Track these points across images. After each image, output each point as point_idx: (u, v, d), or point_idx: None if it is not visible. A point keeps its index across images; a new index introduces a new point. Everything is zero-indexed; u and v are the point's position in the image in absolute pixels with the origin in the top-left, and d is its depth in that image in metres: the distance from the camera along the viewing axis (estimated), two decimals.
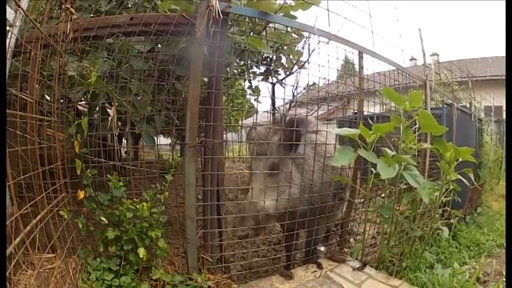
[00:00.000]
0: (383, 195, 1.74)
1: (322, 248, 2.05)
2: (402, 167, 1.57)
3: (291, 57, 2.24)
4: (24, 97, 1.33)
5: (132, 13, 1.42)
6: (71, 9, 1.26)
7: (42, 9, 1.52)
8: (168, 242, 1.39)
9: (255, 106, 2.99)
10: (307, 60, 1.81)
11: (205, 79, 1.55)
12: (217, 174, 1.33)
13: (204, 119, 1.32)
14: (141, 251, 1.32)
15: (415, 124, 1.84)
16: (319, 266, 1.58)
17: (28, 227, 1.23)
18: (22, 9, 1.18)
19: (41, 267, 1.33)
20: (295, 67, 2.34)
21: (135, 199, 1.32)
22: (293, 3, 1.68)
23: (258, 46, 1.53)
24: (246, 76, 2.52)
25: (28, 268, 1.28)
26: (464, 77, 3.95)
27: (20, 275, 1.25)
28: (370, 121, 1.93)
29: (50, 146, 1.29)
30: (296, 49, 2.22)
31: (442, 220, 2.05)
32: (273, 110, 2.15)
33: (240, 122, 3.64)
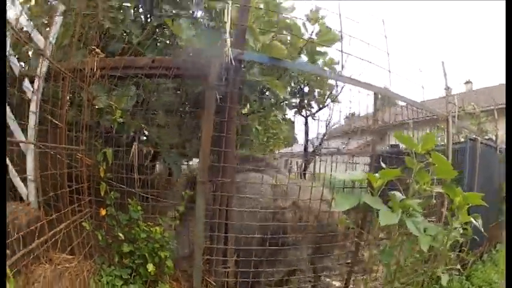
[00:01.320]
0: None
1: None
2: (407, 213, 1.63)
3: (322, 91, 2.34)
4: (56, 122, 1.57)
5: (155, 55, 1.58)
6: (97, 50, 1.45)
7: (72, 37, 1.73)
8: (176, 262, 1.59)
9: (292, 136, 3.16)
10: (338, 94, 1.91)
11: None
12: (225, 209, 1.50)
13: (217, 158, 1.48)
14: (150, 266, 1.55)
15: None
16: None
17: (52, 232, 1.49)
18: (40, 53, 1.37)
19: (59, 264, 1.58)
20: (328, 100, 2.45)
21: (149, 223, 1.53)
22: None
23: (275, 87, 1.65)
24: (275, 109, 2.59)
25: (46, 263, 1.54)
26: (491, 106, 3.81)
27: (38, 267, 1.49)
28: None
29: (78, 169, 1.52)
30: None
31: (457, 260, 2.08)
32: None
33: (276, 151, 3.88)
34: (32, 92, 1.70)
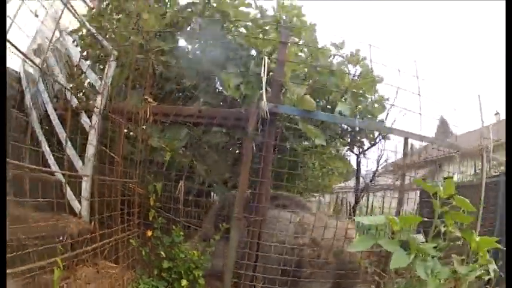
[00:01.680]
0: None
1: None
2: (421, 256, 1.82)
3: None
4: (112, 155, 1.91)
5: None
6: (149, 99, 1.77)
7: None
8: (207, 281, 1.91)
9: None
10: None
11: None
12: (257, 242, 1.78)
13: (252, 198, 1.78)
14: (184, 282, 1.86)
15: None
16: None
17: (102, 242, 1.83)
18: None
19: (102, 268, 1.93)
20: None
21: (188, 247, 1.85)
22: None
23: (311, 134, 1.90)
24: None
25: (90, 266, 1.88)
26: None
27: (82, 268, 1.83)
28: None
29: (131, 196, 1.86)
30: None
31: None
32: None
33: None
34: (90, 126, 2.05)
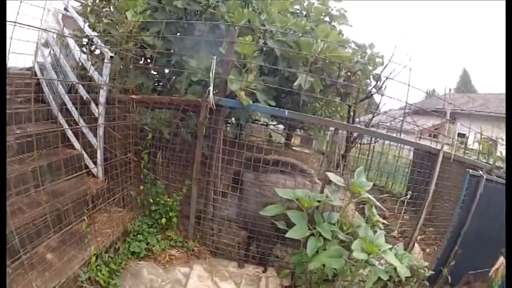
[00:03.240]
0: None
1: None
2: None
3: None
4: (115, 133, 3.10)
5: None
6: (133, 96, 2.86)
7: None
8: (179, 220, 3.19)
9: None
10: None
11: None
12: (212, 193, 2.97)
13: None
14: (163, 220, 3.17)
15: None
16: None
17: (113, 197, 3.15)
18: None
19: (113, 213, 3.26)
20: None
21: (166, 197, 3.10)
22: None
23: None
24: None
25: (104, 212, 3.21)
26: None
27: (99, 214, 3.16)
28: None
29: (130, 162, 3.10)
30: None
31: None
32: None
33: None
34: (98, 113, 3.23)
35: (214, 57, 2.79)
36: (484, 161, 4.78)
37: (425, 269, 2.82)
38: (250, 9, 3.49)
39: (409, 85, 3.03)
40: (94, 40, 3.55)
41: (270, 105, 2.94)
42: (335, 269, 2.54)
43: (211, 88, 2.73)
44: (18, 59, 2.71)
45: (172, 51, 3.59)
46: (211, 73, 2.73)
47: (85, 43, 3.97)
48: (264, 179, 3.00)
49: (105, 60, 3.21)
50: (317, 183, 3.10)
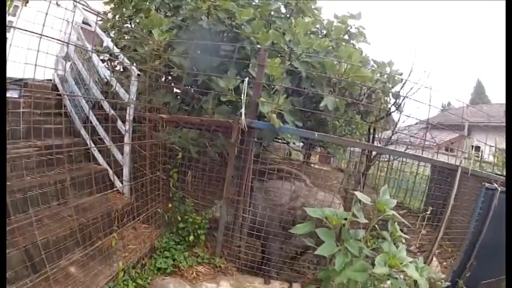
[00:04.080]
0: None
1: None
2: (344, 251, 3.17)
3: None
4: (142, 151, 3.40)
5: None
6: (163, 115, 3.16)
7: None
8: (207, 238, 3.47)
9: None
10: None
11: None
12: (242, 212, 3.27)
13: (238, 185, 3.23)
14: (191, 237, 3.45)
15: None
16: None
17: (138, 212, 3.43)
18: None
19: (139, 229, 3.54)
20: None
21: (195, 215, 3.38)
22: None
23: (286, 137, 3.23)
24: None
25: (130, 229, 3.48)
26: None
27: (125, 231, 3.44)
28: None
29: (157, 180, 3.39)
30: None
31: None
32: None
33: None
34: (125, 130, 3.51)
35: (246, 79, 3.12)
36: (499, 173, 5.16)
37: (442, 281, 3.15)
38: (274, 29, 3.82)
39: (430, 105, 3.39)
40: (119, 57, 3.85)
41: (297, 125, 3.28)
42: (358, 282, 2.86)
43: (243, 110, 3.04)
44: (37, 70, 2.95)
45: (196, 70, 3.91)
46: (243, 95, 3.05)
47: (107, 58, 4.27)
48: (269, 185, 3.52)
49: (132, 78, 3.51)
50: (310, 186, 3.68)
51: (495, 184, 3.41)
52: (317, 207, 3.26)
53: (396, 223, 3.27)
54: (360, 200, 3.11)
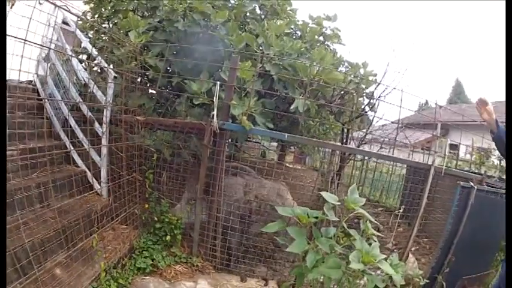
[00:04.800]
0: None
1: None
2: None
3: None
4: (119, 152, 3.51)
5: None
6: (139, 117, 3.27)
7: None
8: (183, 237, 3.61)
9: None
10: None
11: None
12: (215, 211, 3.41)
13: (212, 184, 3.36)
14: (168, 237, 3.59)
15: None
16: None
17: (116, 213, 3.55)
18: None
19: (118, 230, 3.66)
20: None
21: (170, 215, 3.51)
22: None
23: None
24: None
25: (110, 229, 3.60)
26: None
27: (105, 232, 3.55)
28: None
29: (133, 181, 3.51)
30: None
31: None
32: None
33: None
34: (102, 132, 3.61)
35: (218, 82, 3.24)
36: (477, 171, 5.37)
37: (420, 277, 3.32)
38: (248, 32, 3.93)
39: (400, 106, 3.55)
40: (97, 58, 3.93)
41: (268, 127, 3.42)
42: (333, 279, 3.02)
43: (215, 112, 3.17)
44: (18, 72, 2.99)
45: (170, 71, 4.02)
46: (215, 98, 3.17)
47: (84, 60, 4.34)
48: (226, 181, 3.72)
49: (109, 80, 3.61)
50: (259, 178, 4.00)
51: (471, 183, 3.59)
52: (268, 195, 3.48)
53: (367, 221, 3.47)
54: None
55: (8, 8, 4.49)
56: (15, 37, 2.46)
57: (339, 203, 3.19)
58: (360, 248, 2.99)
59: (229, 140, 4.21)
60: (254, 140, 5.04)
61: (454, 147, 6.01)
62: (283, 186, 3.90)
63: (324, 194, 3.13)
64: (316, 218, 3.26)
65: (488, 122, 2.70)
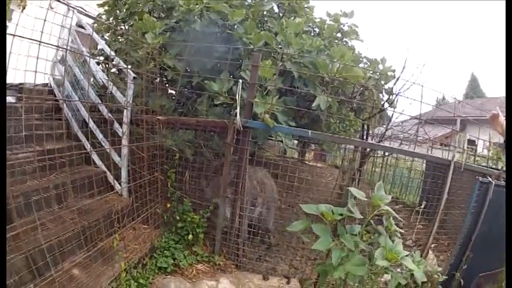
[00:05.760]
0: None
1: None
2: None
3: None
4: (140, 152, 3.56)
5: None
6: (160, 117, 3.32)
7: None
8: (205, 236, 3.65)
9: None
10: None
11: None
12: (238, 210, 3.45)
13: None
14: (190, 236, 3.63)
15: None
16: None
17: (137, 213, 3.60)
18: None
19: (139, 230, 3.71)
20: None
21: (193, 214, 3.56)
22: None
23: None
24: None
25: (130, 229, 3.66)
26: None
27: (126, 231, 3.61)
28: None
29: (155, 181, 3.57)
30: None
31: None
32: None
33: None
34: (122, 133, 3.67)
35: (240, 80, 3.28)
36: (494, 166, 5.36)
37: (439, 274, 3.33)
38: (266, 30, 3.97)
39: (421, 102, 3.56)
40: (115, 60, 4.00)
41: (290, 125, 3.45)
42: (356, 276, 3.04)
43: (238, 111, 3.21)
44: (33, 75, 3.08)
45: (189, 70, 4.07)
46: (237, 96, 3.22)
47: (102, 61, 4.42)
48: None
49: (128, 81, 3.67)
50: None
51: (489, 178, 3.60)
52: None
53: (391, 218, 3.50)
54: (354, 196, 3.33)
55: (18, 10, 4.60)
56: (31, 39, 2.50)
57: (366, 199, 3.22)
58: (384, 244, 3.07)
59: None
60: (274, 139, 5.08)
61: (471, 142, 5.99)
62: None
63: (352, 189, 3.16)
64: (341, 215, 3.31)
65: (502, 134, 2.83)
